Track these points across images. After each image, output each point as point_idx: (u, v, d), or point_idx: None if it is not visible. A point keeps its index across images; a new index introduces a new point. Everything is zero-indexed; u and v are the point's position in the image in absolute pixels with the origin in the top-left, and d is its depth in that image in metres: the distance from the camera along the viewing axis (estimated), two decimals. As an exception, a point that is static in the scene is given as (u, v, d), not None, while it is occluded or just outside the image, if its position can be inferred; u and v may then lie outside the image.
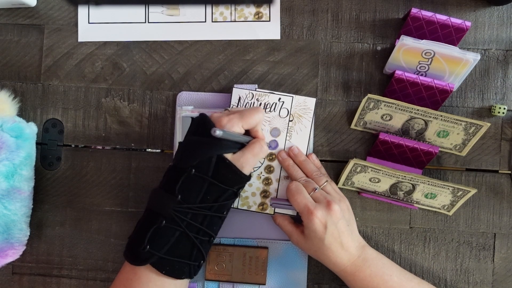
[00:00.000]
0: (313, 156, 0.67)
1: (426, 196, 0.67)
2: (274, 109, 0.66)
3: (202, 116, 0.59)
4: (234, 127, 0.58)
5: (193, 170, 0.57)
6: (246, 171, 0.59)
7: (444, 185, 0.65)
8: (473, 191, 0.65)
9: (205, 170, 0.57)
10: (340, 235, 0.60)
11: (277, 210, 0.67)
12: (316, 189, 0.62)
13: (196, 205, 0.57)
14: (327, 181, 0.64)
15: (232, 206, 0.67)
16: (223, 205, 0.59)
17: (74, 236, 0.71)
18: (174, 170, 0.58)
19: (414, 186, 0.66)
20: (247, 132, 0.61)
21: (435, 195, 0.66)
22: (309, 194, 0.62)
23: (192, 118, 0.60)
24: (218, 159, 0.57)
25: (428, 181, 0.64)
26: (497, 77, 0.69)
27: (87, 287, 0.70)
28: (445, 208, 0.68)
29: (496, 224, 0.69)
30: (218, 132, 0.54)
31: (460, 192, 0.65)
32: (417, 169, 0.68)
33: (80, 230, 0.71)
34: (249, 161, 0.59)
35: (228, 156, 0.58)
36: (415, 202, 0.68)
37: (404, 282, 0.61)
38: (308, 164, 0.66)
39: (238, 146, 0.59)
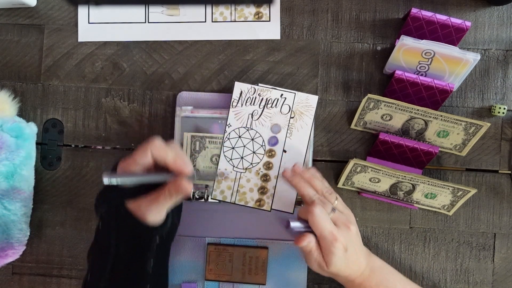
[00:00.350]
0: (313, 170, 0.64)
1: (426, 196, 0.67)
2: (276, 105, 0.66)
3: (116, 161, 0.56)
4: (131, 166, 0.53)
5: (100, 223, 0.55)
6: (151, 220, 0.52)
7: (444, 185, 0.65)
8: (473, 191, 0.65)
9: (108, 223, 0.54)
10: (357, 253, 0.60)
11: (293, 227, 0.61)
12: (333, 210, 0.59)
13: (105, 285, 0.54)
14: (336, 197, 0.62)
15: (229, 201, 0.67)
16: (141, 268, 0.54)
17: (74, 236, 0.71)
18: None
19: (414, 186, 0.66)
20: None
21: (435, 195, 0.66)
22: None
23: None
24: (118, 210, 0.53)
25: (428, 181, 0.64)
26: (497, 77, 0.69)
27: (87, 287, 0.70)
28: (445, 208, 0.68)
29: (496, 224, 0.69)
30: (105, 180, 0.49)
31: (460, 192, 0.65)
32: (417, 169, 0.68)
33: (80, 230, 0.71)
34: (154, 210, 0.52)
35: (131, 203, 0.53)
36: (415, 202, 0.68)
37: None
38: (316, 181, 0.62)
39: (144, 189, 0.53)
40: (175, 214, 0.58)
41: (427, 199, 0.67)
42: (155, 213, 0.52)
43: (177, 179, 0.52)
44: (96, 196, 0.57)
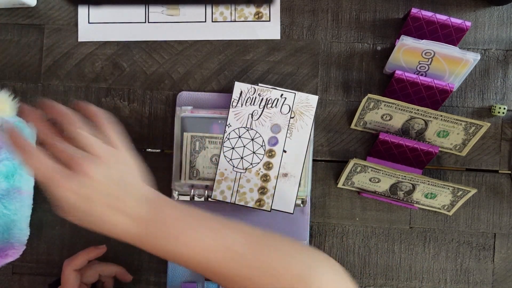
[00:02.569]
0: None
1: (426, 196, 0.67)
2: (276, 105, 0.66)
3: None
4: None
5: None
6: None
7: (444, 185, 0.65)
8: (473, 191, 0.65)
9: None
10: (111, 201, 0.46)
11: None
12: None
13: None
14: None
15: (229, 201, 0.67)
16: None
17: (74, 236, 0.71)
18: None
19: (414, 186, 0.66)
20: None
21: (435, 195, 0.66)
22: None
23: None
24: None
25: (428, 181, 0.65)
26: (497, 77, 0.69)
27: (87, 287, 0.70)
28: (445, 208, 0.68)
29: (496, 224, 0.69)
30: None
31: (460, 192, 0.65)
32: (417, 169, 0.68)
33: (80, 230, 0.70)
34: None
35: None
36: (415, 202, 0.68)
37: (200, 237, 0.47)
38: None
39: None
40: None
41: (427, 199, 0.67)
42: None
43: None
44: None
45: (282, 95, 0.66)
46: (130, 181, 0.49)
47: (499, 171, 0.69)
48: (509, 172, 0.69)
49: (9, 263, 0.66)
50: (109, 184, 0.46)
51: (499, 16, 0.69)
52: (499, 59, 0.69)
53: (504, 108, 0.66)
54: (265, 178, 0.67)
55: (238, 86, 0.66)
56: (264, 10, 0.70)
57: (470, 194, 0.65)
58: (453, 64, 0.64)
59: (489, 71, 0.69)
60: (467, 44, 0.69)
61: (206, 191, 0.67)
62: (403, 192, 0.67)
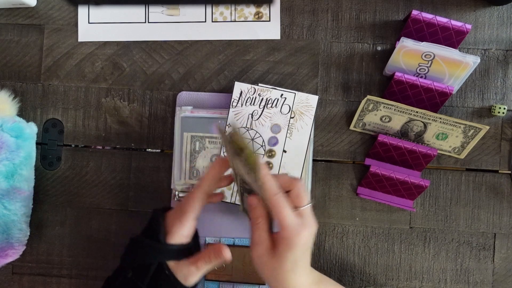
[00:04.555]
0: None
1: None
2: (276, 105, 0.66)
3: (155, 215, 0.56)
4: (184, 228, 0.53)
5: (130, 273, 0.54)
6: (189, 283, 0.54)
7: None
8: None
9: (142, 276, 0.53)
10: (307, 268, 0.53)
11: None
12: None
13: None
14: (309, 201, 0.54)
15: (229, 201, 0.67)
16: None
17: (74, 236, 0.71)
18: (118, 268, 0.56)
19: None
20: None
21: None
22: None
23: (153, 213, 0.57)
24: (158, 267, 0.53)
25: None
26: (497, 77, 0.69)
27: (87, 286, 0.70)
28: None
29: (496, 224, 0.69)
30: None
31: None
32: (415, 171, 0.68)
33: (80, 230, 0.71)
34: (194, 274, 0.54)
35: (171, 264, 0.54)
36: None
37: None
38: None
39: (187, 251, 0.55)
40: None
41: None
42: (193, 276, 0.54)
43: (217, 245, 0.54)
44: (126, 249, 0.57)
45: (282, 95, 0.66)
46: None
47: (499, 171, 0.69)
48: (509, 172, 0.69)
49: (9, 263, 0.67)
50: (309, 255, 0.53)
51: (499, 16, 0.69)
52: (499, 59, 0.69)
53: (504, 108, 0.66)
54: (265, 178, 0.67)
55: (238, 86, 0.66)
56: (264, 10, 0.70)
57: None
58: (453, 67, 0.64)
59: (489, 71, 0.69)
60: (467, 44, 0.69)
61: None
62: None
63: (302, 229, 0.50)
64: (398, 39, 0.65)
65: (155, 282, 0.53)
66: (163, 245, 0.53)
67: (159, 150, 0.71)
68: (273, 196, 0.50)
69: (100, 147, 0.71)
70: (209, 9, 0.70)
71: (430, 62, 0.64)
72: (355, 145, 0.69)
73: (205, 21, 0.70)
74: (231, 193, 0.67)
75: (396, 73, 0.64)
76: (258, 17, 0.70)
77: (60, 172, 0.71)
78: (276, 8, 0.70)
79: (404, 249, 0.69)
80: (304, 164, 0.67)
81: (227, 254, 0.54)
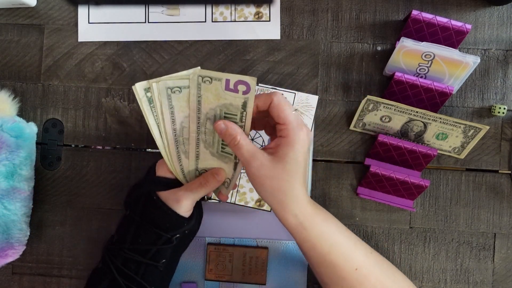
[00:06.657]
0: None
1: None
2: None
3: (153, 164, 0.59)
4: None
5: (128, 210, 0.56)
6: (182, 210, 0.54)
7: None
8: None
9: (135, 209, 0.55)
10: (305, 171, 0.53)
11: None
12: (296, 109, 0.54)
13: (127, 247, 0.54)
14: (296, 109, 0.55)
15: (229, 201, 0.67)
16: (158, 252, 0.54)
17: (74, 236, 0.71)
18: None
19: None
20: None
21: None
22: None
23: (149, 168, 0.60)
24: (147, 195, 0.54)
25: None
26: (497, 77, 0.69)
27: (87, 287, 0.70)
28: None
29: (496, 224, 0.69)
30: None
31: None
32: (415, 171, 0.68)
33: (80, 230, 0.71)
34: (186, 197, 0.53)
35: (163, 193, 0.54)
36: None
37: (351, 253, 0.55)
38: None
39: (176, 186, 0.56)
40: (198, 217, 0.58)
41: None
42: (186, 199, 0.53)
43: (215, 168, 0.55)
44: (128, 192, 0.59)
45: (282, 95, 0.66)
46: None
47: (499, 171, 0.69)
48: (509, 172, 0.69)
49: (9, 263, 0.67)
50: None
51: (499, 16, 0.69)
52: (499, 59, 0.69)
53: (504, 108, 0.66)
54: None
55: (238, 86, 0.66)
56: (264, 10, 0.70)
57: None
58: (453, 67, 0.64)
59: (489, 71, 0.69)
60: (467, 44, 0.69)
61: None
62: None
63: (302, 125, 0.51)
64: (398, 39, 0.65)
65: (146, 210, 0.54)
66: (151, 176, 0.56)
67: (159, 150, 0.70)
68: (274, 96, 0.51)
69: (100, 147, 0.71)
70: (209, 9, 0.70)
71: (430, 62, 0.64)
72: (355, 145, 0.69)
73: (205, 21, 0.70)
74: (231, 193, 0.67)
75: (396, 73, 0.64)
76: (258, 17, 0.70)
77: (60, 172, 0.71)
78: (276, 8, 0.70)
79: (404, 249, 0.69)
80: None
81: (222, 174, 0.55)
